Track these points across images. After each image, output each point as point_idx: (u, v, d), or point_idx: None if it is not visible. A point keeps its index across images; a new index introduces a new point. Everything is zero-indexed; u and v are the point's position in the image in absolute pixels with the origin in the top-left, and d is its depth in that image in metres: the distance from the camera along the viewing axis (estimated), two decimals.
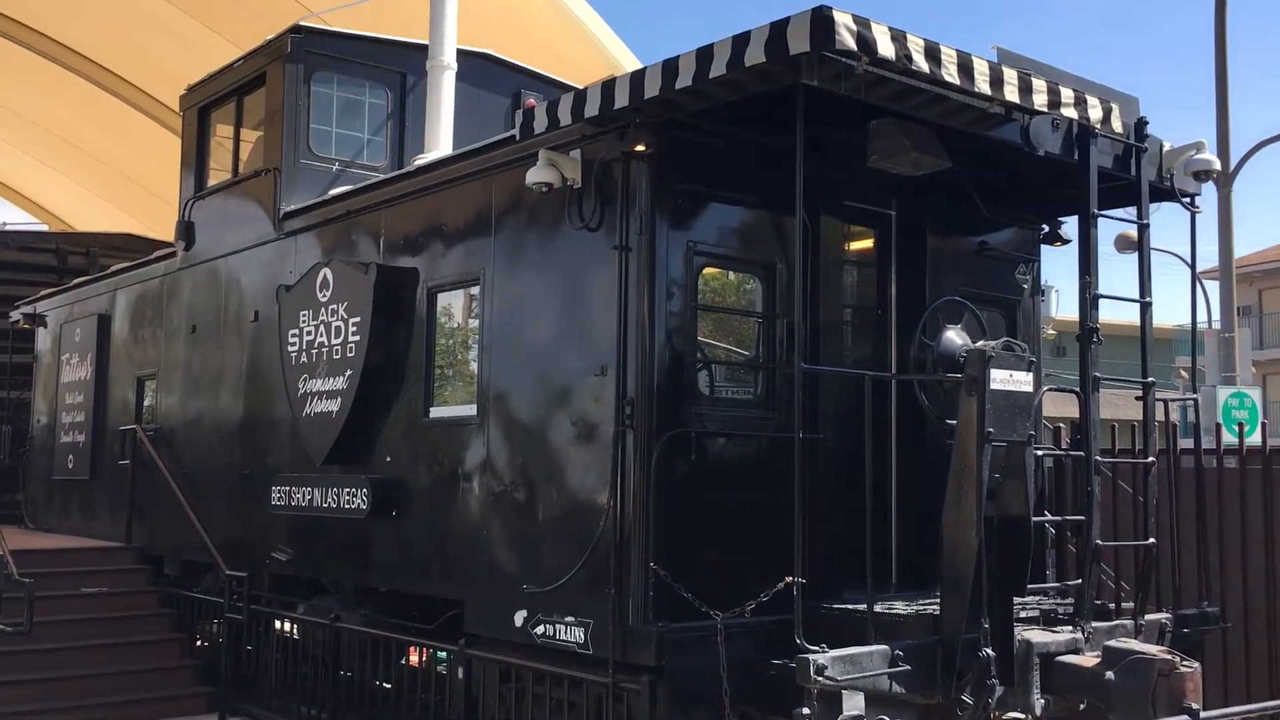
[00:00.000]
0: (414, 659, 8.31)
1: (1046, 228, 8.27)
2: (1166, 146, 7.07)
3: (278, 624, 9.50)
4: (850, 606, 6.22)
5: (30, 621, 8.24)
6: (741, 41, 5.47)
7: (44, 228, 24.27)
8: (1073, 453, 6.92)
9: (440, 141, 9.68)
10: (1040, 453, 6.62)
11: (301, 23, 10.09)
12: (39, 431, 13.91)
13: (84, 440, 12.56)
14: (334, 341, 8.61)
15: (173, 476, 10.51)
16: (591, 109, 6.25)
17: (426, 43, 10.02)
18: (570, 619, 6.52)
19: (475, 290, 7.62)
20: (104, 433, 12.27)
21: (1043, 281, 8.60)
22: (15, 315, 14.39)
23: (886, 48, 5.34)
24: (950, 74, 5.58)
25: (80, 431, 12.66)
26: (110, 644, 9.69)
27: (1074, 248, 6.82)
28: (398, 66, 10.23)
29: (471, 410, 7.51)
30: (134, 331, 11.98)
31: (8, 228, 16.55)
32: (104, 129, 22.77)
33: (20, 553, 9.10)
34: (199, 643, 10.34)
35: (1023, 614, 6.24)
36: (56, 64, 20.72)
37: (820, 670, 5.19)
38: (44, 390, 13.85)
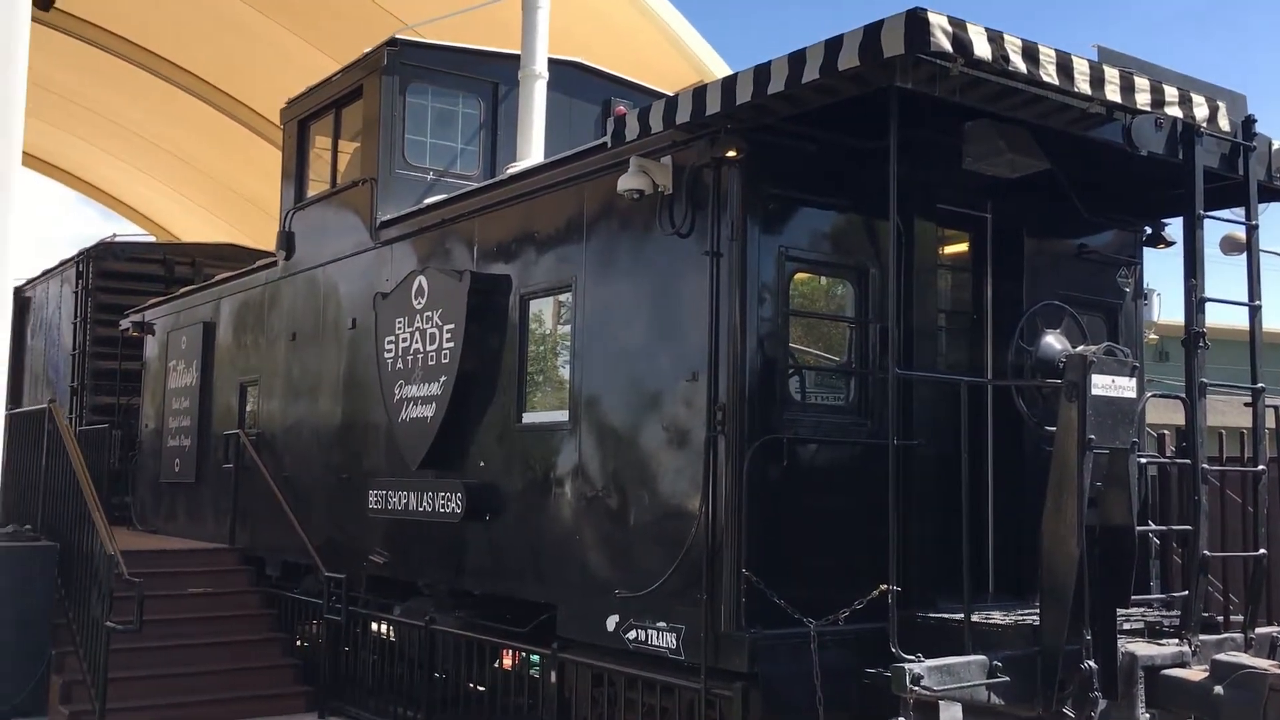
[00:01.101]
0: (507, 662, 8.40)
1: (1150, 229, 8.06)
2: (1276, 144, 6.84)
3: (375, 625, 9.69)
4: (946, 615, 6.13)
5: (140, 620, 8.50)
6: (834, 45, 5.44)
7: (151, 239, 25.06)
8: (1178, 460, 6.74)
9: (532, 150, 9.78)
10: (1144, 460, 6.45)
11: (397, 36, 10.29)
12: (147, 436, 14.37)
13: (189, 444, 12.95)
14: (429, 348, 8.75)
15: (274, 480, 10.78)
16: (683, 115, 6.27)
17: (518, 53, 10.14)
18: (662, 624, 6.53)
19: (567, 297, 7.68)
20: (208, 437, 12.63)
21: (1145, 285, 8.38)
22: (124, 324, 14.87)
23: (983, 48, 5.26)
24: (1049, 74, 5.48)
25: (186, 436, 13.05)
26: (215, 642, 9.97)
27: (1179, 250, 6.64)
28: (490, 76, 10.37)
29: (563, 416, 7.57)
30: (237, 339, 12.33)
31: (117, 239, 17.08)
32: (208, 142, 23.46)
33: (130, 553, 9.39)
34: (299, 642, 10.57)
35: (1127, 626, 6.09)
36: (164, 80, 21.40)
37: (916, 680, 5.12)
38: (152, 396, 14.31)
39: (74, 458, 9.98)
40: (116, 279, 15.76)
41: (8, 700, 8.91)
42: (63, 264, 16.78)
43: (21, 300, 18.02)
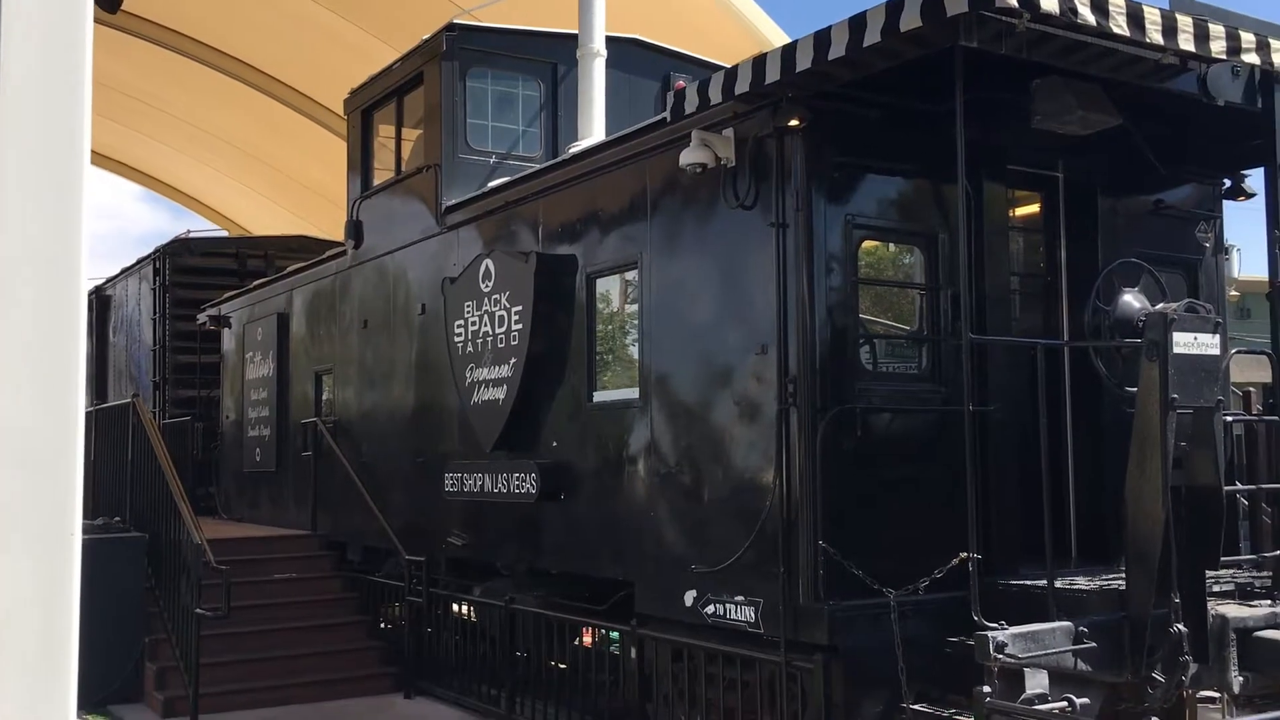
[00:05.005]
0: (587, 639, 8.46)
1: (1229, 182, 7.83)
2: None
3: (456, 606, 9.81)
4: (1029, 583, 6.05)
5: (228, 606, 8.69)
6: (896, 7, 5.34)
7: (224, 233, 25.53)
8: (1265, 418, 6.56)
9: (593, 129, 9.76)
10: (1230, 419, 6.29)
11: (455, 21, 10.32)
12: (228, 427, 14.67)
13: (269, 434, 13.19)
14: (498, 330, 8.81)
15: (352, 466, 10.95)
16: (742, 86, 6.21)
17: (576, 32, 10.11)
18: (740, 598, 6.53)
19: (633, 274, 7.68)
20: (287, 426, 12.86)
21: (1225, 240, 8.15)
22: (201, 318, 15.17)
23: (1050, 2, 5.13)
24: (1119, 25, 5.33)
25: (265, 426, 13.30)
26: (301, 627, 10.18)
27: (1260, 202, 6.44)
28: (548, 57, 10.36)
29: (634, 393, 7.58)
30: (310, 329, 12.52)
31: (191, 235, 17.42)
32: (270, 134, 23.80)
33: (216, 542, 9.61)
34: (382, 625, 10.75)
35: (1216, 588, 5.96)
36: (225, 74, 21.73)
37: (1000, 648, 5.06)
38: (231, 388, 14.60)
39: (158, 450, 10.22)
40: (192, 274, 16.06)
41: (105, 687, 9.18)
42: (140, 261, 17.15)
43: (103, 299, 18.48)
